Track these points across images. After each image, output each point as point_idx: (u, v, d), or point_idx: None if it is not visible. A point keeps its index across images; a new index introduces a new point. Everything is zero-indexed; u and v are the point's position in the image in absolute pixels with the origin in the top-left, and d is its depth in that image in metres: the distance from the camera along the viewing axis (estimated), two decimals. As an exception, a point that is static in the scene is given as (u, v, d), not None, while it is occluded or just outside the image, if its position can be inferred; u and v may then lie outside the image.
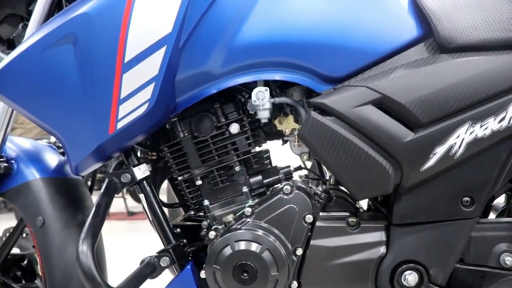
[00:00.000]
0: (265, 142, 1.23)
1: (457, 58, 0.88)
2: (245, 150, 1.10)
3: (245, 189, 1.10)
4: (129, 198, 4.63)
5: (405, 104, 0.93)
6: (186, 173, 1.13)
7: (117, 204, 4.40)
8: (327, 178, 1.32)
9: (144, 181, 1.10)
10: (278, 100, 1.07)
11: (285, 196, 1.05)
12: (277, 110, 1.15)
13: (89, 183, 1.34)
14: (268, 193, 1.12)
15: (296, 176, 1.18)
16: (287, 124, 1.11)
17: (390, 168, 0.96)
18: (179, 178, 1.14)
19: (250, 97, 1.08)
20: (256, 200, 1.09)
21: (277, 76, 1.01)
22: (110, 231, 3.61)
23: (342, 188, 1.20)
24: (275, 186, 1.13)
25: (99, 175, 4.45)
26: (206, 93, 1.02)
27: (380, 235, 1.02)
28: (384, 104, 0.94)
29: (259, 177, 1.11)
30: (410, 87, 0.92)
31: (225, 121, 1.09)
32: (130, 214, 4.44)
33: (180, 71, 1.01)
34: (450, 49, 0.90)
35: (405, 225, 1.00)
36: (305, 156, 1.13)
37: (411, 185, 0.97)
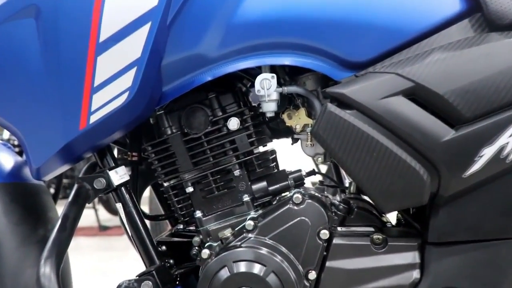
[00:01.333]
0: (271, 141, 1.24)
1: (511, 37, 0.88)
2: (247, 151, 1.11)
3: (246, 197, 1.11)
4: (101, 209, 4.65)
5: (444, 95, 0.93)
6: (174, 178, 1.14)
7: (87, 216, 4.44)
8: (347, 185, 1.33)
9: (122, 188, 1.11)
10: (287, 89, 1.08)
11: (295, 207, 1.06)
12: (286, 102, 1.15)
13: (53, 190, 1.35)
14: (274, 203, 1.13)
15: (308, 182, 1.21)
16: (298, 119, 1.12)
17: (425, 173, 0.96)
18: (165, 184, 1.15)
19: (253, 86, 1.09)
20: (260, 212, 1.10)
21: (286, 60, 1.01)
22: (78, 249, 3.63)
23: (365, 197, 1.21)
24: (283, 194, 1.14)
25: (65, 181, 4.48)
26: (199, 80, 1.03)
27: (412, 256, 1.02)
28: (417, 94, 0.94)
29: (263, 184, 1.12)
30: (451, 74, 0.92)
31: (222, 115, 1.10)
32: (103, 229, 4.46)
33: (167, 53, 1.01)
34: (502, 27, 0.89)
35: (443, 244, 1.00)
36: (319, 158, 1.14)
37: (452, 194, 0.97)
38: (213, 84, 1.08)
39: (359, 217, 1.09)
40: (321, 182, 1.33)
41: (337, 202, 1.11)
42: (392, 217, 1.20)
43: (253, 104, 1.21)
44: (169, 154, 1.11)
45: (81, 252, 3.67)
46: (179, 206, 1.14)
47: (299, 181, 1.13)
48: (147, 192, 1.40)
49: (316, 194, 1.12)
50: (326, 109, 0.97)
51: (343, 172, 1.41)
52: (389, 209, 1.01)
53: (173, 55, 1.01)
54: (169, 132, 1.11)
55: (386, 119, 0.94)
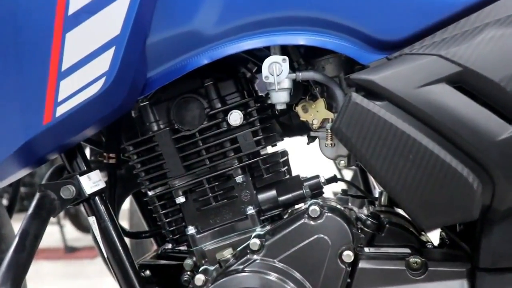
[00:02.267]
0: (282, 140, 1.24)
1: None
2: (251, 152, 1.12)
3: (250, 210, 1.11)
4: (69, 224, 4.67)
5: (499, 82, 0.93)
6: (161, 185, 1.15)
7: (51, 234, 4.42)
8: (376, 195, 1.33)
9: (96, 197, 1.12)
10: (302, 75, 1.08)
11: (312, 222, 1.07)
12: (301, 92, 1.16)
13: (8, 201, 1.35)
14: (285, 216, 1.13)
15: (328, 191, 1.23)
16: (316, 113, 1.12)
17: (476, 181, 0.96)
18: (150, 193, 1.15)
19: (259, 71, 1.09)
20: (268, 228, 1.11)
21: (301, 39, 1.02)
22: (39, 276, 3.63)
23: (400, 211, 1.21)
24: (296, 206, 1.14)
25: (23, 189, 4.49)
26: (194, 64, 1.03)
27: (459, 285, 1.03)
28: (466, 82, 0.94)
29: (272, 193, 1.13)
30: (509, 55, 0.92)
31: (221, 107, 1.11)
32: (70, 250, 4.48)
33: (153, 30, 1.02)
34: None
35: (498, 270, 1.00)
36: (342, 162, 1.14)
37: (509, 208, 0.98)
38: (210, 69, 1.08)
39: (392, 235, 1.10)
40: (344, 191, 1.33)
41: (364, 217, 1.12)
42: (434, 236, 1.21)
43: (260, 94, 1.21)
44: (155, 155, 1.12)
45: (43, 280, 3.67)
46: (167, 220, 1.15)
47: (316, 190, 1.13)
48: (127, 203, 1.42)
49: (338, 206, 1.13)
50: (351, 100, 0.98)
51: (371, 179, 1.42)
52: (430, 225, 1.01)
53: (160, 32, 1.02)
54: (155, 128, 1.12)
55: (425, 112, 0.95)
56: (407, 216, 1.06)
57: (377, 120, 0.96)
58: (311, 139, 1.19)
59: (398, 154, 0.96)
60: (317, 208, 1.06)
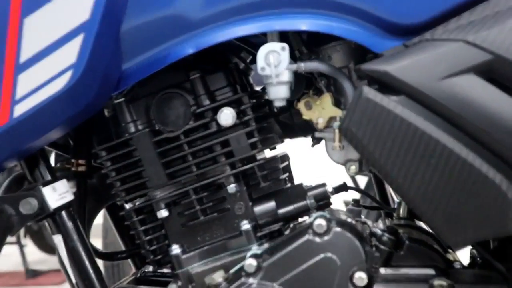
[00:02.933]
0: (282, 142, 1.25)
1: None
2: (246, 157, 1.12)
3: (245, 225, 1.12)
4: (30, 244, 4.65)
5: (537, 72, 0.94)
6: (140, 196, 1.16)
7: (9, 255, 4.44)
8: (394, 206, 1.33)
9: (63, 212, 1.12)
10: (304, 66, 1.08)
11: (317, 239, 1.07)
12: (303, 85, 1.17)
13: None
14: (286, 232, 1.14)
15: (337, 201, 1.20)
16: (321, 110, 1.13)
17: (510, 189, 0.96)
18: (127, 206, 1.16)
19: (254, 61, 1.11)
20: (266, 246, 1.12)
21: (303, 24, 1.03)
22: (-5, 305, 3.60)
23: (422, 224, 1.22)
24: (299, 220, 1.15)
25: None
26: (177, 54, 1.04)
27: (492, 312, 1.04)
28: (497, 72, 0.94)
29: (271, 204, 1.14)
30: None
31: (210, 104, 1.12)
32: (32, 275, 4.46)
33: (129, 15, 1.02)
34: None
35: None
36: (352, 167, 1.14)
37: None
38: (197, 60, 1.09)
39: (413, 253, 1.10)
40: (356, 202, 1.34)
41: (380, 231, 1.12)
42: (462, 254, 1.20)
43: (256, 88, 1.22)
44: (132, 161, 1.13)
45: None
46: (147, 238, 1.15)
47: (323, 201, 1.14)
48: (100, 218, 1.41)
49: (348, 219, 1.13)
50: (362, 95, 0.98)
51: (388, 188, 1.43)
52: (458, 242, 1.01)
53: (137, 16, 1.03)
54: (132, 129, 1.12)
55: (450, 108, 0.95)
56: (429, 230, 1.08)
57: (393, 118, 0.97)
58: (316, 141, 1.20)
59: (418, 158, 0.96)
60: (323, 222, 1.06)
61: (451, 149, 0.96)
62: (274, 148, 1.23)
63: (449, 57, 0.95)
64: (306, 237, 1.07)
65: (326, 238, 1.06)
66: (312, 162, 1.45)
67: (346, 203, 1.34)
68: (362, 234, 1.10)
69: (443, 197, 0.97)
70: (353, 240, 1.06)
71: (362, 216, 1.28)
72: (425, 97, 0.96)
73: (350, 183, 1.32)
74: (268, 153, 1.21)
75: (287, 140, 1.26)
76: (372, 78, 1.00)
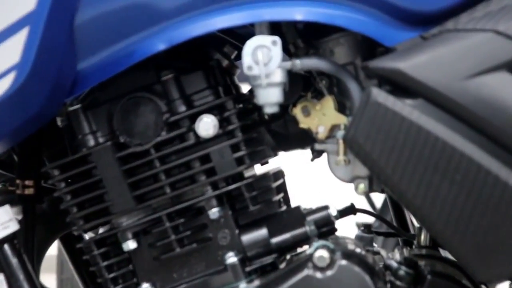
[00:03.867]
0: (275, 156, 1.24)
1: None
2: (231, 174, 1.12)
3: (231, 258, 1.11)
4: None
5: None
6: (101, 224, 1.15)
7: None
8: (414, 231, 1.33)
9: (6, 245, 1.12)
10: (301, 64, 1.08)
11: (319, 274, 1.06)
12: (300, 87, 1.16)
13: None
14: (281, 266, 1.13)
15: (343, 227, 1.19)
16: (322, 117, 1.12)
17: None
18: (86, 236, 1.15)
19: (240, 57, 1.08)
20: (256, 283, 1.11)
21: (298, 13, 1.03)
22: None
23: (447, 254, 1.21)
24: (297, 251, 1.14)
25: None
26: (145, 51, 1.04)
27: None
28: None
29: (262, 232, 1.13)
30: None
31: (186, 111, 1.11)
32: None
33: (85, 3, 1.02)
34: None
35: None
36: (361, 185, 1.13)
37: None
38: (169, 57, 1.08)
39: None
40: (366, 227, 1.32)
41: (396, 264, 1.11)
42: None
43: (242, 92, 1.21)
44: (92, 182, 1.12)
45: None
46: (110, 276, 1.14)
47: (325, 226, 1.13)
48: (54, 249, 1.39)
49: (357, 249, 1.12)
50: (371, 99, 0.98)
51: (407, 212, 1.42)
52: (491, 276, 1.01)
53: (95, 5, 1.03)
54: (91, 142, 1.11)
55: (478, 114, 0.95)
56: (456, 261, 1.08)
57: (408, 127, 0.96)
58: (317, 154, 1.18)
59: (440, 174, 0.96)
60: (326, 253, 1.05)
61: (480, 163, 0.95)
62: (266, 163, 1.22)
63: (476, 51, 0.96)
64: (305, 272, 1.06)
65: (329, 273, 1.05)
66: (312, 180, 1.43)
67: (359, 226, 1.33)
68: (373, 267, 1.09)
69: (472, 222, 0.96)
70: (362, 275, 1.05)
71: (375, 245, 1.27)
72: (448, 100, 0.96)
73: (362, 202, 1.29)
74: (258, 170, 1.20)
75: (281, 154, 1.24)
76: (383, 77, 1.01)
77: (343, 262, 1.05)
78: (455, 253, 0.99)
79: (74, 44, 1.02)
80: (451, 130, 0.95)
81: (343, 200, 1.25)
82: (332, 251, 1.05)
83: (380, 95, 0.97)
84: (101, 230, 1.15)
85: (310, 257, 1.06)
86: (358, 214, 1.26)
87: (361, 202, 1.47)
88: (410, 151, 0.96)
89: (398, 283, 1.08)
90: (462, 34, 0.96)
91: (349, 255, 1.07)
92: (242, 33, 1.15)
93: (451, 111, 0.96)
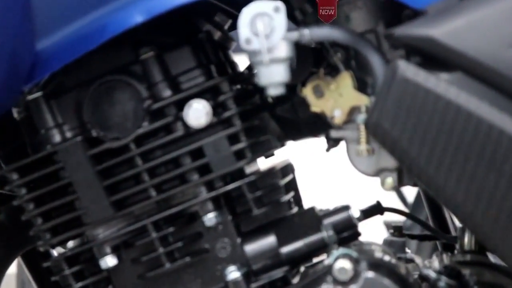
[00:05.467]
0: (282, 146, 1.25)
1: None
2: (229, 171, 1.12)
3: (232, 272, 1.11)
4: None
5: None
6: (72, 238, 1.15)
7: None
8: (456, 233, 1.34)
9: None
10: (311, 34, 1.07)
11: None
12: (311, 62, 1.17)
13: None
14: (294, 281, 1.14)
15: (369, 229, 1.19)
16: (338, 98, 1.12)
17: None
18: (54, 252, 1.17)
19: (234, 26, 1.09)
20: None
21: None
22: None
23: (497, 259, 1.21)
24: (313, 261, 1.15)
25: None
26: (120, 24, 1.04)
27: None
28: None
29: (269, 240, 1.13)
30: None
31: (172, 96, 1.11)
32: None
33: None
34: None
35: None
36: (389, 179, 1.14)
37: None
38: (149, 31, 1.08)
39: None
40: (397, 230, 1.33)
41: (435, 274, 1.12)
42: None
43: (240, 71, 1.21)
44: (59, 186, 1.12)
45: None
46: None
47: (346, 231, 1.14)
48: (13, 267, 1.40)
49: (386, 257, 1.12)
50: (397, 74, 0.98)
51: (447, 211, 1.43)
52: None
53: None
54: (57, 138, 1.11)
55: None
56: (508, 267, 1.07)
57: (444, 107, 0.96)
58: (333, 143, 1.19)
59: (486, 164, 0.96)
60: (348, 264, 1.05)
61: None
62: (271, 155, 1.23)
63: None
64: (325, 287, 1.07)
65: (353, 287, 1.05)
66: (328, 174, 1.44)
67: (388, 227, 1.34)
68: (406, 279, 1.09)
69: None
70: None
71: (408, 251, 1.27)
72: (493, 73, 0.96)
73: (391, 199, 1.30)
74: (262, 164, 1.21)
75: (289, 144, 1.25)
76: (411, 47, 1.01)
77: (370, 274, 1.06)
78: (508, 259, 1.00)
79: (31, 18, 1.02)
80: (497, 109, 0.95)
81: (367, 197, 1.25)
82: (355, 261, 1.06)
83: (408, 69, 0.97)
84: (72, 244, 1.15)
85: (329, 269, 1.06)
86: (386, 213, 1.26)
87: (390, 199, 1.45)
88: (447, 137, 0.96)
89: None
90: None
91: (376, 265, 1.07)
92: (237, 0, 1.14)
93: (496, 86, 0.96)
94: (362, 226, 1.17)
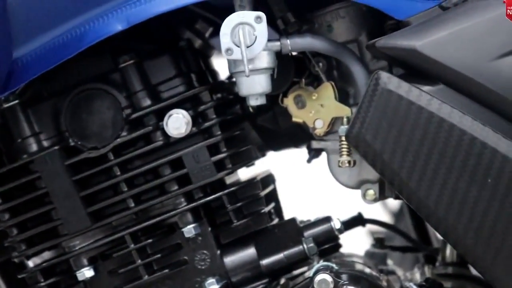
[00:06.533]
0: (263, 156, 1.25)
1: None
2: (209, 182, 1.11)
3: (211, 285, 1.11)
4: None
5: None
6: (48, 249, 1.14)
7: None
8: (438, 245, 1.34)
9: None
10: (292, 44, 1.07)
11: None
12: (292, 72, 1.16)
13: None
14: None
15: (349, 243, 1.18)
16: (319, 108, 1.12)
17: None
18: (30, 263, 1.15)
19: (217, 33, 1.07)
20: None
21: None
22: None
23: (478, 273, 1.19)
24: (293, 274, 1.15)
25: None
26: (99, 32, 1.03)
27: None
28: None
29: (249, 252, 1.13)
30: None
31: (152, 106, 1.10)
32: None
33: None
34: None
35: None
36: (370, 191, 1.15)
37: None
38: (129, 39, 1.08)
39: None
40: (379, 242, 1.34)
41: (415, 287, 1.11)
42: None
43: (221, 80, 1.21)
44: (35, 196, 1.11)
45: None
46: None
47: (328, 243, 1.14)
48: None
49: (367, 269, 1.13)
50: (379, 86, 0.97)
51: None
52: None
53: None
54: (33, 147, 1.11)
55: None
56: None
57: (426, 119, 0.96)
58: (314, 154, 1.20)
59: (468, 178, 0.96)
60: (328, 277, 1.04)
61: None
62: (252, 164, 1.23)
63: (509, 24, 0.95)
64: None
65: None
66: (310, 186, 1.43)
67: (375, 238, 1.35)
68: None
69: (508, 237, 0.96)
70: None
71: (390, 263, 1.27)
72: (475, 85, 0.96)
73: (374, 210, 1.31)
74: (243, 174, 1.21)
75: (270, 154, 1.25)
76: (394, 58, 1.00)
77: (350, 287, 1.04)
78: (488, 274, 0.99)
79: (7, 26, 1.02)
80: (481, 122, 0.95)
81: (350, 208, 1.25)
82: (336, 275, 1.05)
83: (391, 81, 0.97)
84: (48, 256, 1.14)
85: (310, 281, 1.05)
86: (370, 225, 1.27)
87: (373, 210, 1.46)
88: (429, 150, 0.96)
89: None
90: (491, 2, 0.96)
91: (357, 278, 1.07)
92: (217, 5, 1.14)
93: (479, 98, 0.96)
94: (345, 238, 1.17)
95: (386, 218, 2.31)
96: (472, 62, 0.95)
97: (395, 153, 0.97)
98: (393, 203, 2.57)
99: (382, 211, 2.51)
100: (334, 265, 1.07)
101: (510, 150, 0.95)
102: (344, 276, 1.06)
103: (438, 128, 0.96)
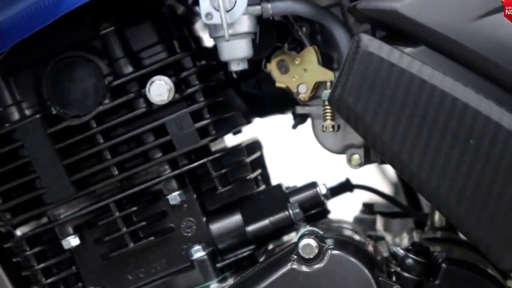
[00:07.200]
0: (248, 123, 1.25)
1: None
2: (194, 149, 1.11)
3: (198, 252, 1.11)
4: None
5: None
6: (33, 218, 1.14)
7: None
8: (427, 211, 1.34)
9: None
10: (273, 8, 1.06)
11: (305, 267, 1.05)
12: (274, 37, 1.15)
13: None
14: (260, 259, 1.14)
15: (337, 206, 1.18)
16: (302, 73, 1.12)
17: None
18: (18, 232, 1.15)
19: (197, 2, 1.06)
20: (230, 282, 1.12)
21: None
22: None
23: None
24: (277, 241, 1.16)
25: None
26: None
27: None
28: None
29: (235, 219, 1.13)
30: None
31: (134, 72, 1.10)
32: None
33: None
34: None
35: None
36: (355, 156, 1.14)
37: None
38: (110, 5, 1.07)
39: (454, 282, 1.09)
40: (368, 207, 1.34)
41: (403, 251, 1.10)
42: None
43: (203, 45, 1.21)
44: (18, 165, 1.11)
45: None
46: (49, 281, 1.13)
47: (314, 209, 1.15)
48: None
49: (354, 235, 1.13)
50: (361, 48, 0.97)
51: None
52: None
53: None
54: (15, 116, 1.11)
55: (497, 63, 0.95)
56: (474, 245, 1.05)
57: (408, 81, 0.96)
58: (299, 119, 1.20)
59: (450, 139, 0.96)
60: (313, 242, 1.04)
61: (499, 123, 0.95)
62: (239, 132, 1.23)
63: None
64: (289, 265, 1.05)
65: (318, 266, 1.05)
66: (296, 151, 1.43)
67: (368, 207, 1.35)
68: (374, 257, 1.09)
69: (492, 198, 0.96)
70: (359, 267, 1.04)
71: (378, 229, 1.28)
72: (456, 46, 0.96)
73: (371, 175, 1.31)
74: (228, 141, 1.21)
75: (256, 120, 1.25)
76: (375, 21, 1.01)
77: (335, 252, 1.04)
78: (472, 237, 0.99)
79: None
80: (462, 83, 0.95)
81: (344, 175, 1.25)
82: (321, 239, 1.04)
83: (372, 43, 0.97)
84: (34, 225, 1.14)
85: (295, 247, 1.05)
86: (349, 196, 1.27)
87: (369, 175, 1.45)
88: (411, 112, 0.96)
89: (405, 274, 1.07)
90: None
91: (343, 243, 1.07)
92: None
93: (460, 59, 0.96)
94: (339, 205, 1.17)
95: (384, 186, 2.32)
96: (452, 23, 0.95)
97: (377, 116, 0.97)
98: (393, 171, 2.57)
99: (381, 179, 2.52)
100: (319, 230, 1.07)
101: (492, 111, 0.95)
102: (329, 241, 1.06)
103: (419, 90, 0.96)
